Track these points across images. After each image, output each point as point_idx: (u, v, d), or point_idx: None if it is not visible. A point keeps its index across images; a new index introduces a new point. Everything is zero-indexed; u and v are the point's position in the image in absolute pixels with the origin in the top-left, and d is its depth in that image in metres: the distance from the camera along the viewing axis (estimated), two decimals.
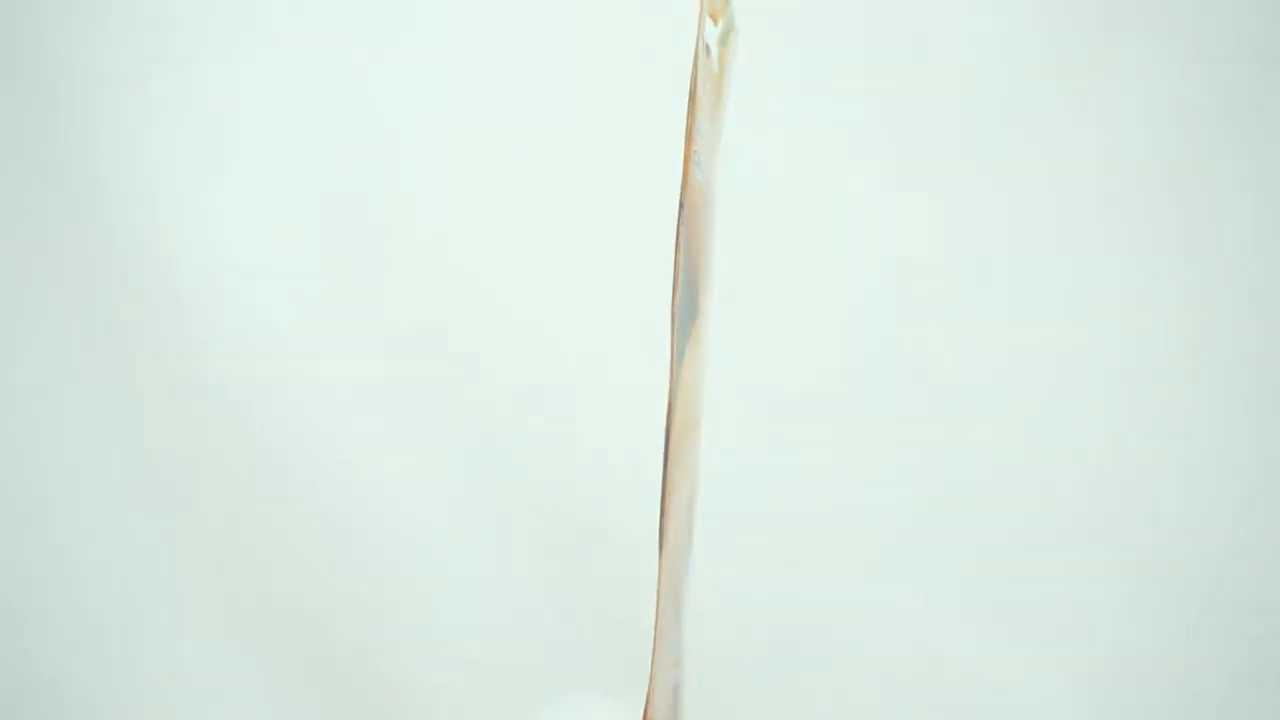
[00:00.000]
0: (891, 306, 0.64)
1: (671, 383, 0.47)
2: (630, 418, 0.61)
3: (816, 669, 0.63)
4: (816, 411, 0.63)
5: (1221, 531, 0.62)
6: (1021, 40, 0.64)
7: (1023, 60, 0.64)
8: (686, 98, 0.48)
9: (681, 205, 0.48)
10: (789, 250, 0.64)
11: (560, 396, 0.69)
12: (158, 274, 0.70)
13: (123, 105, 0.70)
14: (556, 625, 0.67)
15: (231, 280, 0.70)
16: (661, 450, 0.47)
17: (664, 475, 0.47)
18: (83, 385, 0.70)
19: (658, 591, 0.47)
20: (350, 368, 0.69)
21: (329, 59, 0.70)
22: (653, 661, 0.47)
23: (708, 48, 0.48)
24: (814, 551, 0.63)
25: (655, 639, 0.47)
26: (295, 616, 0.70)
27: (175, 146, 0.70)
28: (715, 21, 0.48)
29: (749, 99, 0.51)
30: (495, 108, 0.69)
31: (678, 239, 0.48)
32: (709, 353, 0.48)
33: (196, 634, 0.70)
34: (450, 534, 0.69)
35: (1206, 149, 0.63)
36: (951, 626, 0.62)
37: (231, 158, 0.70)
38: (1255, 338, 0.62)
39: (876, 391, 0.64)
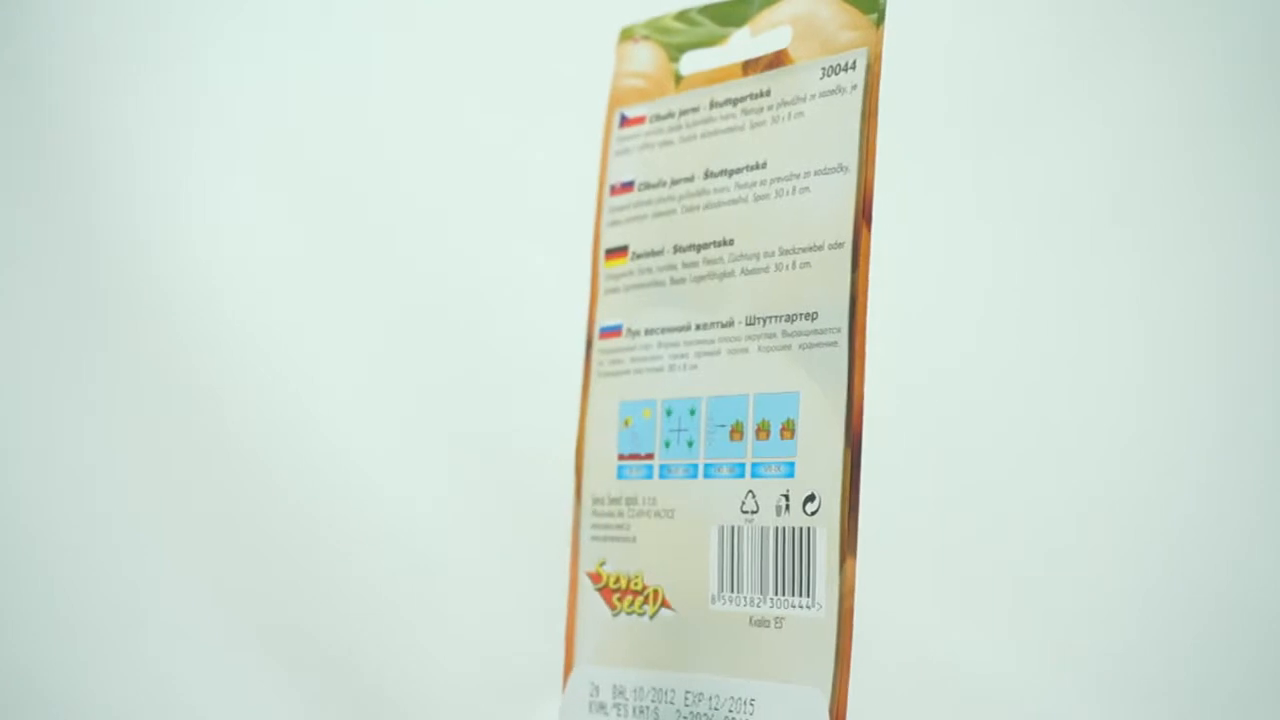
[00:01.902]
0: (897, 308, 0.63)
1: (858, 389, 0.49)
2: None
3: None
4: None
5: (1239, 535, 0.64)
6: (1035, 46, 0.65)
7: (1036, 66, 0.65)
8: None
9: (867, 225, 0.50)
10: None
11: (559, 398, 0.64)
12: (156, 274, 0.67)
13: (121, 106, 0.68)
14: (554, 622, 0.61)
15: (230, 281, 0.69)
16: (845, 464, 0.49)
17: (850, 480, 0.49)
18: (81, 384, 0.67)
19: (843, 591, 0.49)
20: (347, 367, 0.64)
21: (326, 60, 0.64)
22: (845, 658, 0.49)
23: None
24: None
25: (843, 635, 0.49)
26: (294, 615, 0.67)
27: (173, 147, 0.68)
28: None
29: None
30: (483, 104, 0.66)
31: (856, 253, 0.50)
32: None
33: (192, 630, 0.67)
34: (450, 534, 0.64)
35: (1218, 150, 0.65)
36: (964, 630, 0.62)
37: (228, 158, 0.69)
38: (1269, 340, 0.65)
39: (890, 392, 0.63)
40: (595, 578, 0.56)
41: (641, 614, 0.55)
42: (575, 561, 0.57)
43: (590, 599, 0.56)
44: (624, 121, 0.59)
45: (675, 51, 0.58)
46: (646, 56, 0.58)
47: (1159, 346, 0.61)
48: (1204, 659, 0.58)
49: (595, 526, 0.57)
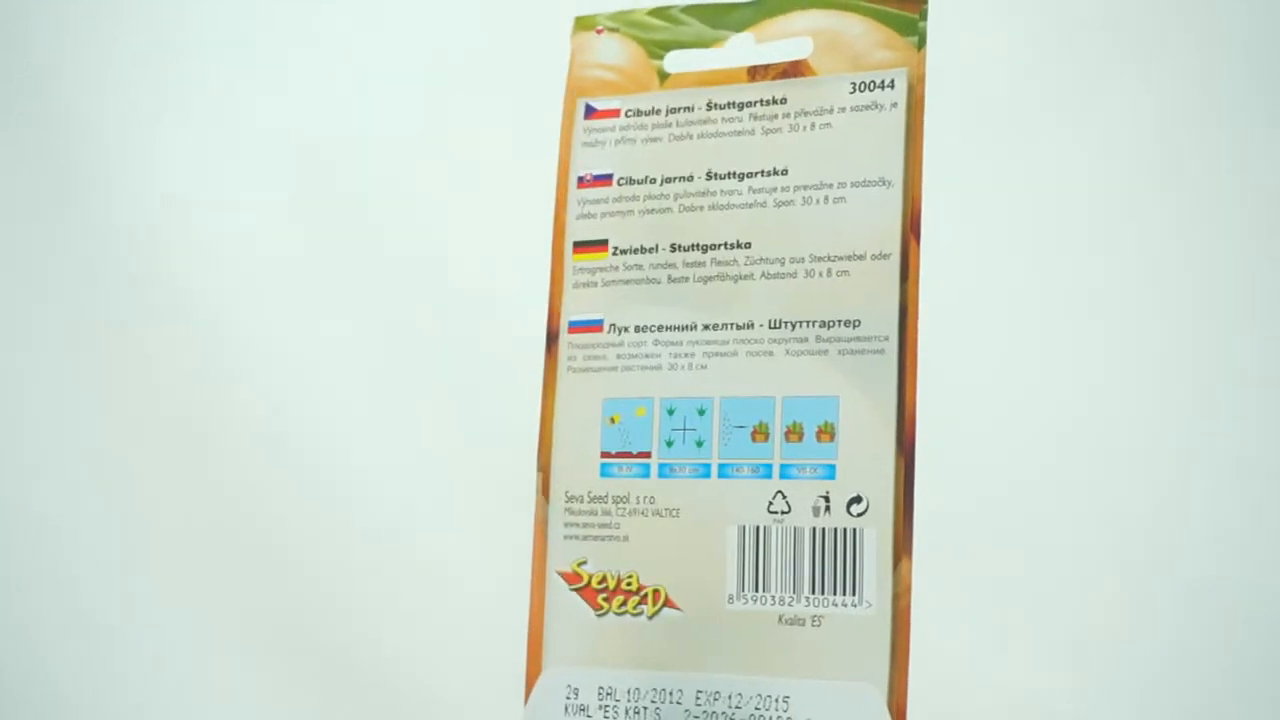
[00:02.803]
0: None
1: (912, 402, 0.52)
2: None
3: None
4: None
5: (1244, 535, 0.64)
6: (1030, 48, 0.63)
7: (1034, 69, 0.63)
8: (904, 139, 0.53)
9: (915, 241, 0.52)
10: None
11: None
12: (157, 274, 0.67)
13: (120, 106, 0.69)
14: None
15: (230, 281, 0.67)
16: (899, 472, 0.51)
17: (905, 484, 0.51)
18: (75, 384, 0.67)
19: (897, 591, 0.51)
20: (347, 364, 0.68)
21: (324, 62, 0.70)
22: (903, 655, 0.51)
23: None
24: None
25: (899, 633, 0.51)
26: (294, 614, 0.66)
27: (169, 147, 0.69)
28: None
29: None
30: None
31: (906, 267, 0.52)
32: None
33: (189, 628, 0.67)
34: (450, 532, 0.59)
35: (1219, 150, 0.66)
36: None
37: (227, 157, 0.69)
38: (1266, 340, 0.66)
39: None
40: (572, 577, 0.55)
41: (637, 614, 0.54)
42: (542, 561, 0.56)
43: (564, 599, 0.55)
44: (591, 113, 0.57)
45: (656, 48, 0.57)
46: (617, 49, 0.58)
47: (1215, 351, 0.64)
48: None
49: (571, 525, 0.55)
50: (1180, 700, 0.61)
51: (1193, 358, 0.64)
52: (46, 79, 0.71)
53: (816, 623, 0.52)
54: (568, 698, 0.54)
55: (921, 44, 0.53)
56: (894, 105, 0.53)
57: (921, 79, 0.53)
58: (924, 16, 0.53)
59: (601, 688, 0.54)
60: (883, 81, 0.53)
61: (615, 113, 0.57)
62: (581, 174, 0.57)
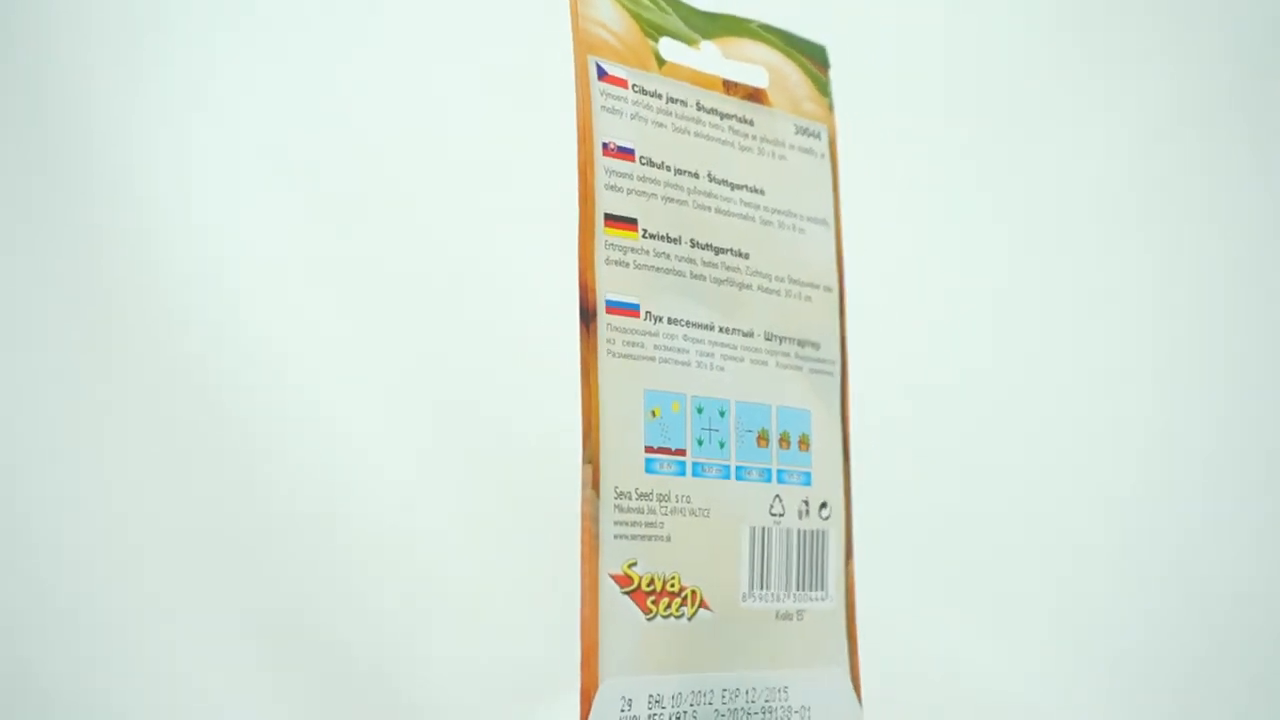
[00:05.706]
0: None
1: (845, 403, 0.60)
2: None
3: None
4: None
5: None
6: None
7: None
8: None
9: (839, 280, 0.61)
10: None
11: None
12: (158, 274, 0.69)
13: (118, 105, 0.70)
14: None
15: (230, 282, 0.69)
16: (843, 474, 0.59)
17: (847, 492, 0.59)
18: (76, 382, 0.68)
19: (847, 586, 0.58)
20: (348, 365, 0.67)
21: (322, 61, 0.70)
22: (854, 639, 0.58)
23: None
24: None
25: (850, 621, 0.58)
26: (293, 616, 0.65)
27: (168, 146, 0.70)
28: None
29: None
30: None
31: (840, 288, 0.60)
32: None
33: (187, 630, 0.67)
34: (449, 533, 0.64)
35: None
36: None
37: (227, 158, 0.70)
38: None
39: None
40: (624, 580, 0.51)
41: (679, 616, 0.53)
42: (593, 563, 0.51)
43: (617, 604, 0.51)
44: (604, 75, 0.53)
45: (650, 29, 0.55)
46: (614, 15, 0.54)
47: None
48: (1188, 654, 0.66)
49: (620, 524, 0.51)
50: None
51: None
52: (47, 79, 0.71)
53: (800, 617, 0.57)
54: (622, 710, 0.51)
55: (831, 108, 0.61)
56: (823, 155, 0.60)
57: (834, 140, 0.61)
58: (828, 80, 0.61)
59: (651, 695, 0.52)
60: (813, 131, 0.60)
61: (624, 83, 0.54)
62: (605, 140, 0.53)
